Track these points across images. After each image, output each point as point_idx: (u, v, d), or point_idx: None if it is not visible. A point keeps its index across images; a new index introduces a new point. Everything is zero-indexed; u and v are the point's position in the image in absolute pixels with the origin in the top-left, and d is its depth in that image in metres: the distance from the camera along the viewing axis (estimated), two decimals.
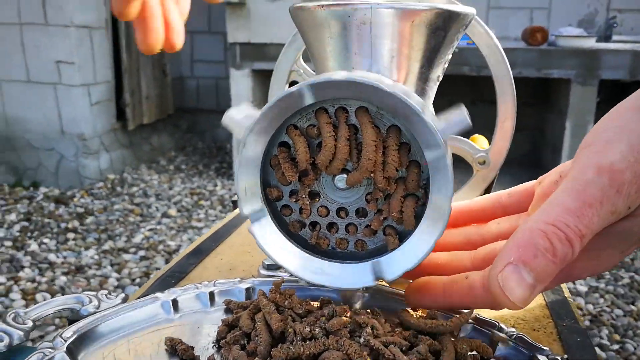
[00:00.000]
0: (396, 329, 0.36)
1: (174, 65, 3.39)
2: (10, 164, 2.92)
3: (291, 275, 0.37)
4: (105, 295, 0.41)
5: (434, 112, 0.57)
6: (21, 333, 0.37)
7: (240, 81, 2.77)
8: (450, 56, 0.50)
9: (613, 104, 0.31)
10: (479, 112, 1.83)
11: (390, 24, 0.44)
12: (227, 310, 0.41)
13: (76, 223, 2.44)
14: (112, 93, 2.94)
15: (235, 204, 0.76)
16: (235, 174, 0.34)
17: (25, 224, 2.43)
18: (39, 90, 2.75)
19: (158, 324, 0.40)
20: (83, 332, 0.37)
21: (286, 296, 0.37)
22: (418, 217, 0.35)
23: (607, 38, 2.77)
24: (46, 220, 2.47)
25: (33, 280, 1.96)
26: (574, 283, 2.08)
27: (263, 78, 2.81)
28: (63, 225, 2.42)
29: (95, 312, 0.39)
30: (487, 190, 0.59)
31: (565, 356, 0.36)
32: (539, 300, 0.45)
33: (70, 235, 2.33)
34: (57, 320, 1.63)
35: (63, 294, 0.68)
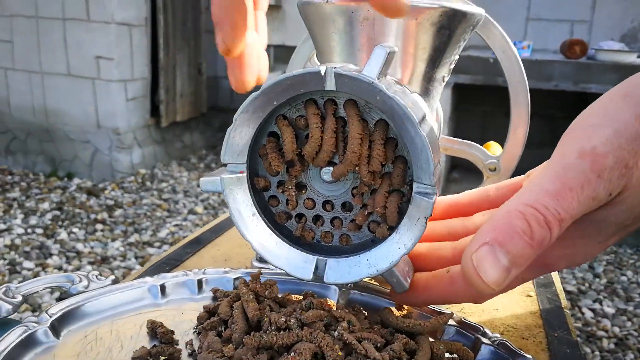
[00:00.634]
0: (375, 327, 0.35)
1: (209, 64, 3.45)
2: (48, 155, 3.02)
3: (277, 267, 0.36)
4: (96, 276, 0.42)
5: (441, 112, 0.56)
6: (9, 307, 0.37)
7: None
8: (457, 57, 0.49)
9: None
10: None
11: (394, 21, 0.43)
12: (214, 299, 0.41)
13: (105, 215, 2.50)
14: (148, 89, 3.01)
15: None
16: (228, 131, 0.34)
17: (57, 213, 2.50)
18: (78, 84, 2.83)
19: (144, 307, 0.40)
20: (69, 310, 0.38)
21: (267, 286, 0.37)
22: (403, 214, 0.34)
23: None
24: (77, 210, 2.54)
25: (60, 268, 2.02)
26: (601, 303, 2.02)
27: None
28: (93, 216, 2.48)
29: (84, 292, 0.40)
30: None
31: None
32: (532, 308, 0.44)
33: (99, 226, 2.39)
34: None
35: None
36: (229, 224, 0.58)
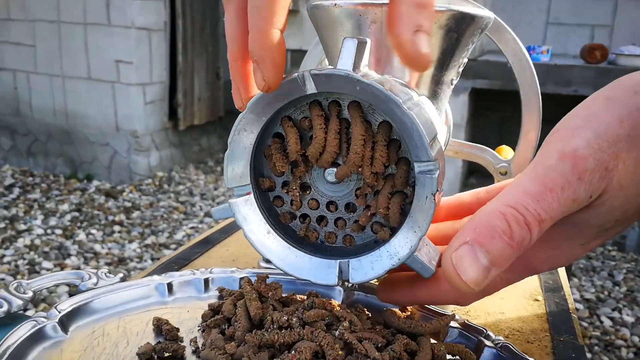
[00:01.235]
0: (377, 327, 0.35)
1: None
2: (68, 157, 3.07)
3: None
4: (105, 273, 0.42)
5: (451, 115, 0.56)
6: (20, 302, 0.38)
7: None
8: (466, 60, 0.49)
9: None
10: None
11: None
12: (220, 298, 0.42)
13: (123, 216, 2.53)
14: (166, 93, 3.04)
15: None
16: (225, 157, 0.35)
17: (76, 214, 2.54)
18: (98, 88, 2.87)
19: (151, 305, 0.41)
20: (78, 306, 0.38)
21: (271, 288, 0.37)
22: (406, 215, 0.34)
23: None
24: (95, 212, 2.57)
25: (78, 268, 2.05)
26: (620, 312, 1.99)
27: None
28: (111, 217, 2.52)
29: (93, 289, 0.41)
30: None
31: None
32: (539, 312, 0.43)
33: (116, 227, 2.42)
34: None
35: None
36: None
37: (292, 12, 2.74)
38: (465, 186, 2.91)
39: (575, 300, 2.08)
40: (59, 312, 0.37)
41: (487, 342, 0.36)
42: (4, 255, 2.13)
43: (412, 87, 0.47)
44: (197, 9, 3.10)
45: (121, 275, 0.42)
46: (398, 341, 0.33)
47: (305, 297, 0.38)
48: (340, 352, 0.31)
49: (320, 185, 0.37)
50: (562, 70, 2.48)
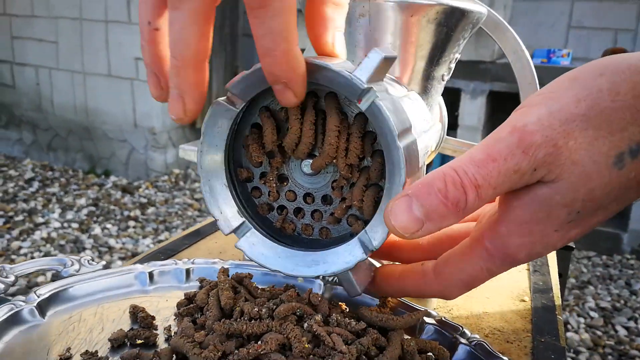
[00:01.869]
0: (351, 321, 0.35)
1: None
2: (87, 152, 3.11)
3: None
4: (88, 260, 0.43)
5: (445, 111, 0.56)
6: (2, 286, 0.39)
7: None
8: (458, 55, 0.49)
9: None
10: None
11: (389, 18, 0.43)
12: (201, 288, 0.42)
13: (138, 212, 2.56)
14: None
15: None
16: (199, 144, 0.35)
17: (93, 209, 2.58)
18: (118, 85, 2.91)
19: (131, 293, 0.41)
20: (57, 291, 0.39)
21: (245, 278, 0.37)
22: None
23: None
24: (112, 207, 2.61)
25: None
26: (636, 322, 1.95)
27: None
28: (126, 213, 2.55)
29: (74, 275, 0.41)
30: None
31: None
32: (524, 313, 0.42)
33: (131, 223, 2.45)
34: None
35: None
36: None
37: (300, 12, 2.74)
38: None
39: (590, 309, 2.04)
40: (38, 297, 0.38)
41: (462, 340, 0.35)
42: (20, 247, 2.17)
43: (402, 83, 0.47)
44: (216, 7, 3.12)
45: (104, 263, 0.43)
46: (367, 335, 0.32)
47: (283, 289, 0.38)
48: (307, 345, 0.31)
49: (298, 177, 0.37)
50: None
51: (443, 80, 0.49)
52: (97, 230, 2.36)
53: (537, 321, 0.41)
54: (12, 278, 0.40)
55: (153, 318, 0.37)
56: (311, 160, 0.35)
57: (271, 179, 0.37)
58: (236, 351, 0.31)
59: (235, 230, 0.36)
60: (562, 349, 0.37)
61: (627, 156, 0.27)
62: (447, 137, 0.58)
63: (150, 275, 0.42)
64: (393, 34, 0.44)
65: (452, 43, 0.46)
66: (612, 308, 2.06)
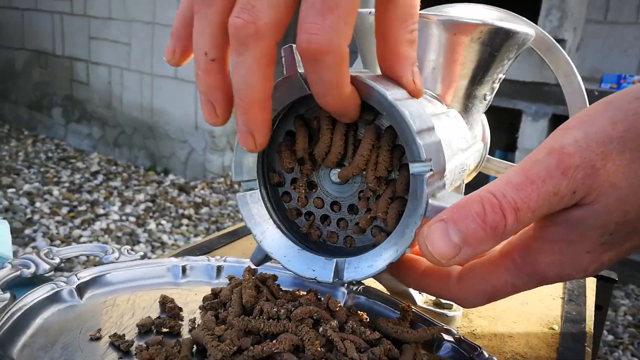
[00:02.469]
0: (367, 330, 0.35)
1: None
2: (149, 150, 3.24)
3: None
4: (127, 250, 0.45)
5: (488, 131, 0.55)
6: (47, 266, 0.42)
7: None
8: (502, 75, 0.49)
9: None
10: None
11: (433, 35, 0.44)
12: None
13: (192, 211, 2.64)
14: None
15: None
16: (235, 150, 0.37)
17: (150, 204, 2.68)
18: (182, 87, 3.02)
19: (163, 284, 0.43)
20: (96, 276, 0.41)
21: (269, 279, 0.38)
22: None
23: None
24: (168, 204, 2.70)
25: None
26: None
27: None
28: (181, 211, 2.63)
29: (114, 262, 0.44)
30: None
31: None
32: (551, 341, 0.41)
33: (185, 221, 2.52)
34: None
35: None
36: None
37: None
38: None
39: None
40: (78, 280, 0.40)
41: None
42: (81, 236, 2.28)
43: (442, 100, 0.47)
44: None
45: (142, 253, 0.45)
46: (381, 345, 0.33)
47: (305, 293, 0.39)
48: (319, 349, 0.32)
49: (326, 185, 0.38)
50: None
51: (485, 100, 0.49)
52: (152, 225, 2.45)
53: (564, 350, 0.40)
54: (57, 260, 0.43)
55: (180, 309, 0.39)
56: (339, 169, 0.36)
57: (301, 185, 0.38)
58: (251, 347, 0.32)
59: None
60: None
61: None
62: (490, 157, 0.58)
63: (183, 269, 0.44)
64: (436, 51, 0.45)
65: (496, 63, 0.46)
66: None
